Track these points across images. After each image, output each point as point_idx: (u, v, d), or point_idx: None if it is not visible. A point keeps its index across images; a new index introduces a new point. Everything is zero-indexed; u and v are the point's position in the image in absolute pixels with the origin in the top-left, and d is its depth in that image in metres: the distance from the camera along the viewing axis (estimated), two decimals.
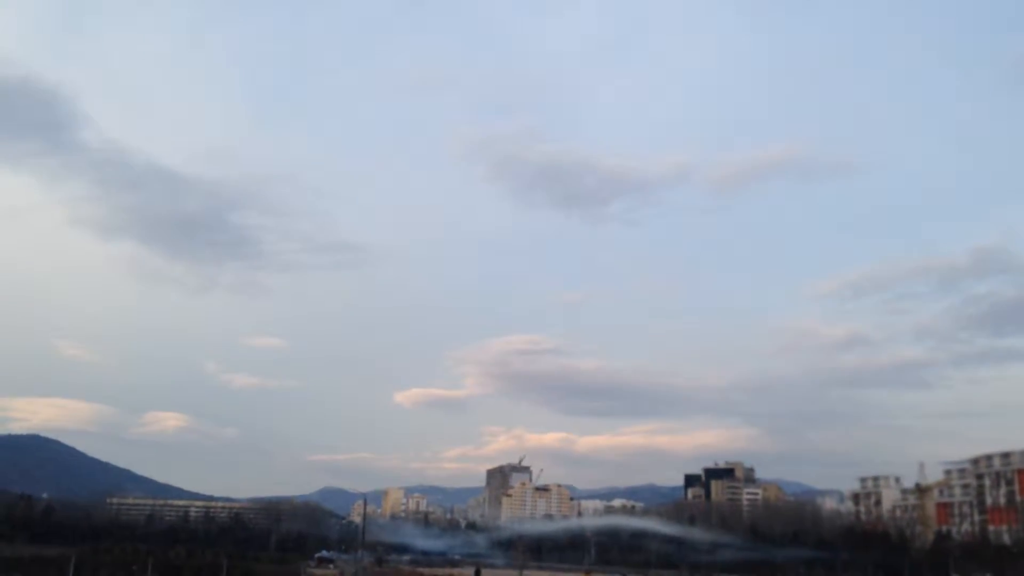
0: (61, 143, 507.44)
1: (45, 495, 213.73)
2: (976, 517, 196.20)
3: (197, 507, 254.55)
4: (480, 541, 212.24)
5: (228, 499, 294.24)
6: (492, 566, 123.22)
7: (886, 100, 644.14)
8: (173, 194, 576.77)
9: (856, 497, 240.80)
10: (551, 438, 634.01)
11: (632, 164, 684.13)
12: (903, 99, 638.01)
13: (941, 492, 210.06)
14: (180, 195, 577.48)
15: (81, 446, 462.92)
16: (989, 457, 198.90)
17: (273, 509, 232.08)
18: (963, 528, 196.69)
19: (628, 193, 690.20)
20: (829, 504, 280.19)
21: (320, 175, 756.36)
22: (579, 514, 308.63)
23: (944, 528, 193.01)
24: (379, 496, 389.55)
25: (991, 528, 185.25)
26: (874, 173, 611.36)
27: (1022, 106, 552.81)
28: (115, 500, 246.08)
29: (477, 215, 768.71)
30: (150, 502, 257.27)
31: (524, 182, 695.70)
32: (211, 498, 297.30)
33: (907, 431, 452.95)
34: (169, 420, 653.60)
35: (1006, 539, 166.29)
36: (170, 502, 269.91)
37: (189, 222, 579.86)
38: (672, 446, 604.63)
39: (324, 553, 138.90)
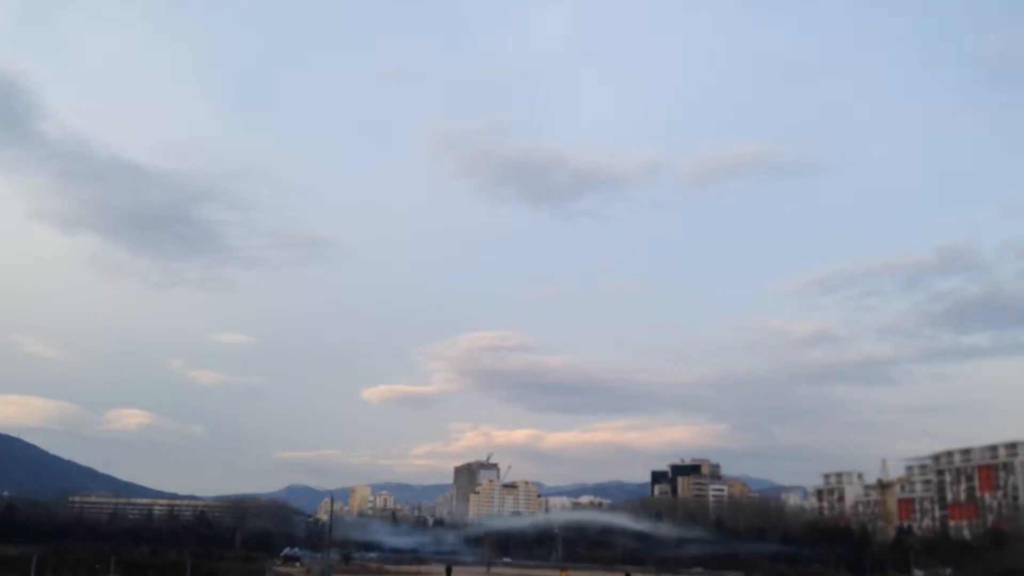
0: (20, 134, 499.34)
1: (6, 493, 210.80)
2: (937, 512, 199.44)
3: (161, 505, 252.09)
4: (449, 538, 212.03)
5: (193, 497, 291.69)
6: (460, 563, 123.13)
7: (855, 99, 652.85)
8: (136, 187, 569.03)
9: (820, 493, 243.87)
10: (519, 435, 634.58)
11: (602, 160, 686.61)
12: (872, 98, 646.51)
13: (903, 488, 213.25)
14: (143, 188, 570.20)
15: (43, 444, 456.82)
16: (950, 453, 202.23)
17: (239, 507, 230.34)
18: (924, 523, 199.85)
19: (598, 189, 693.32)
20: (793, 500, 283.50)
21: (287, 170, 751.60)
22: (547, 510, 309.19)
23: (905, 523, 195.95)
24: (346, 494, 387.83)
25: (951, 523, 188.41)
26: (842, 172, 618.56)
27: (989, 105, 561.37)
28: (78, 499, 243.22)
29: (447, 210, 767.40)
30: (113, 500, 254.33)
31: (494, 177, 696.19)
32: (175, 496, 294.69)
33: (872, 427, 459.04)
34: (133, 417, 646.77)
35: (966, 534, 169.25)
36: (134, 500, 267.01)
37: (152, 216, 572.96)
38: (639, 443, 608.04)
39: (291, 551, 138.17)
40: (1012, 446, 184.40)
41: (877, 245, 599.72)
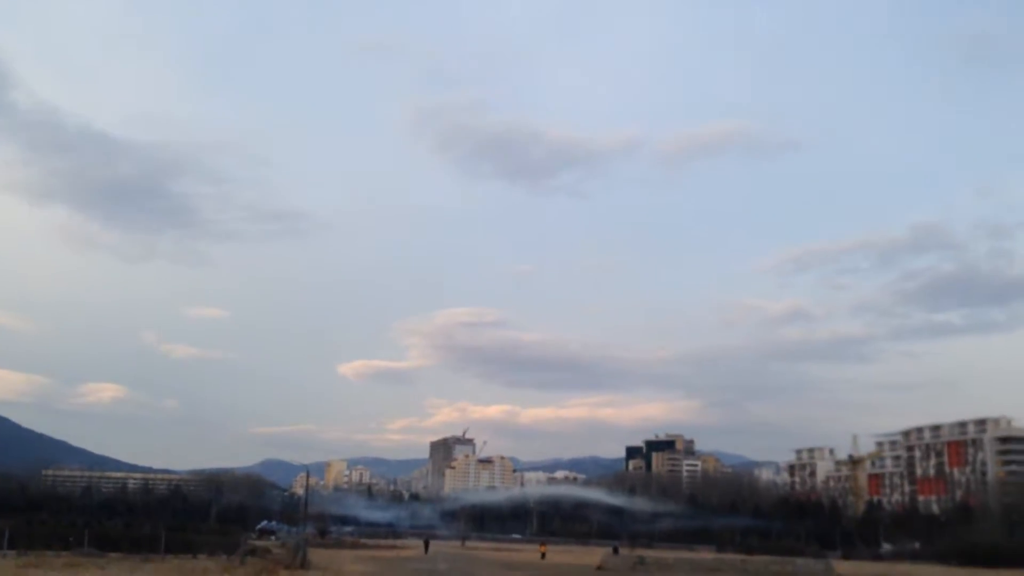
0: None
1: None
2: (906, 488, 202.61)
3: (135, 479, 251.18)
4: (425, 512, 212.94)
5: (167, 471, 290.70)
6: (437, 537, 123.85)
7: (833, 78, 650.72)
8: (108, 159, 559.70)
9: (792, 468, 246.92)
10: (495, 410, 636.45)
11: (580, 136, 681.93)
12: (849, 77, 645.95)
13: (873, 463, 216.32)
14: (115, 160, 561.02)
15: (14, 417, 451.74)
16: (920, 430, 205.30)
17: (213, 481, 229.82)
18: (893, 498, 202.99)
19: (576, 165, 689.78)
20: (766, 475, 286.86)
21: (261, 143, 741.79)
22: (522, 485, 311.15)
23: (875, 498, 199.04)
24: (322, 468, 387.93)
25: (920, 498, 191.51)
26: (819, 150, 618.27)
27: (965, 86, 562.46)
28: (50, 472, 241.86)
29: (423, 185, 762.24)
30: (87, 474, 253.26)
31: (471, 153, 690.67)
32: (150, 470, 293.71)
33: (843, 404, 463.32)
34: (106, 391, 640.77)
35: (935, 509, 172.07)
36: (107, 474, 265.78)
37: (124, 188, 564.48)
38: (615, 419, 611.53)
39: (266, 524, 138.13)
40: (981, 423, 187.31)
41: (852, 223, 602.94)
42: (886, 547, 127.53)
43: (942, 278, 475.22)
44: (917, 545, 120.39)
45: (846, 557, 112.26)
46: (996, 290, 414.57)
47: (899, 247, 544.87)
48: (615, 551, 71.66)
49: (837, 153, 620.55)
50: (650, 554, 75.66)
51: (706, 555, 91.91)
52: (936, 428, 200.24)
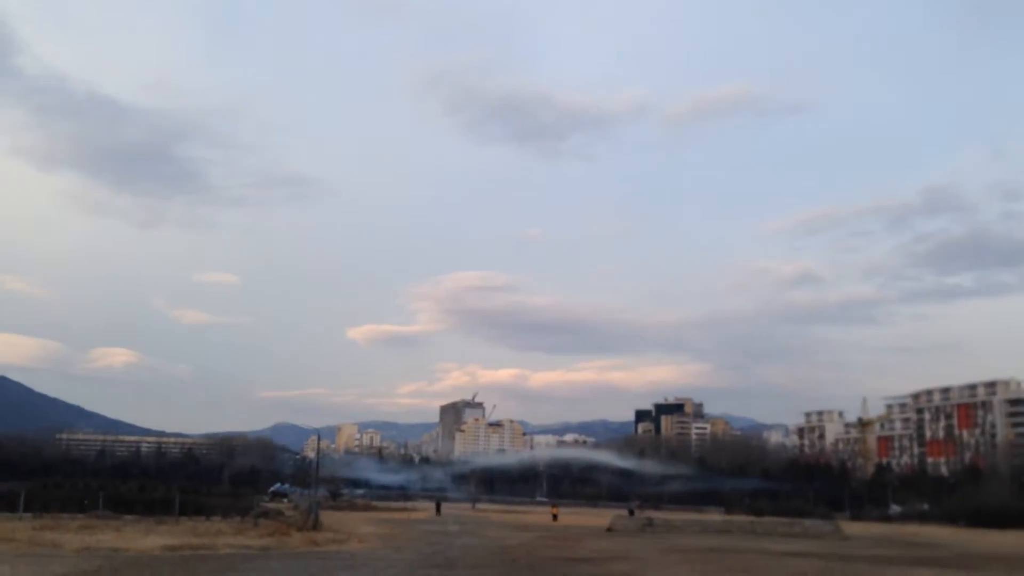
0: None
1: None
2: (916, 450, 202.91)
3: (148, 443, 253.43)
4: (436, 475, 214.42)
5: (180, 435, 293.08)
6: (447, 500, 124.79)
7: (844, 37, 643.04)
8: (115, 125, 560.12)
9: (801, 431, 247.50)
10: (504, 374, 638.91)
11: (589, 99, 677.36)
12: (861, 36, 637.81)
13: (882, 426, 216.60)
14: (123, 126, 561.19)
15: (28, 382, 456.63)
16: (929, 392, 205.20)
17: (226, 444, 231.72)
18: (902, 460, 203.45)
19: (584, 128, 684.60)
20: (775, 438, 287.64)
21: (269, 108, 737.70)
22: (531, 448, 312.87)
23: (884, 460, 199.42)
24: (333, 432, 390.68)
25: (929, 460, 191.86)
26: (830, 111, 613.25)
27: (978, 46, 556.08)
28: (65, 436, 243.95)
29: (431, 149, 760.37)
30: (101, 438, 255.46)
31: (479, 116, 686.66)
32: (163, 434, 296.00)
33: (853, 367, 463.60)
34: (118, 356, 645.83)
35: (944, 470, 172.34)
36: (121, 438, 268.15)
37: (133, 154, 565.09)
38: (624, 382, 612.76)
39: (278, 487, 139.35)
40: (991, 385, 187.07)
41: (863, 186, 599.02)
42: (895, 508, 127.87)
43: (953, 241, 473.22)
44: (926, 506, 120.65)
45: (855, 518, 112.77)
46: (1007, 252, 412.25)
47: (911, 210, 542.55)
48: (631, 513, 72.02)
49: (849, 115, 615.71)
50: (659, 516, 76.07)
51: (715, 517, 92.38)
52: (946, 390, 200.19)
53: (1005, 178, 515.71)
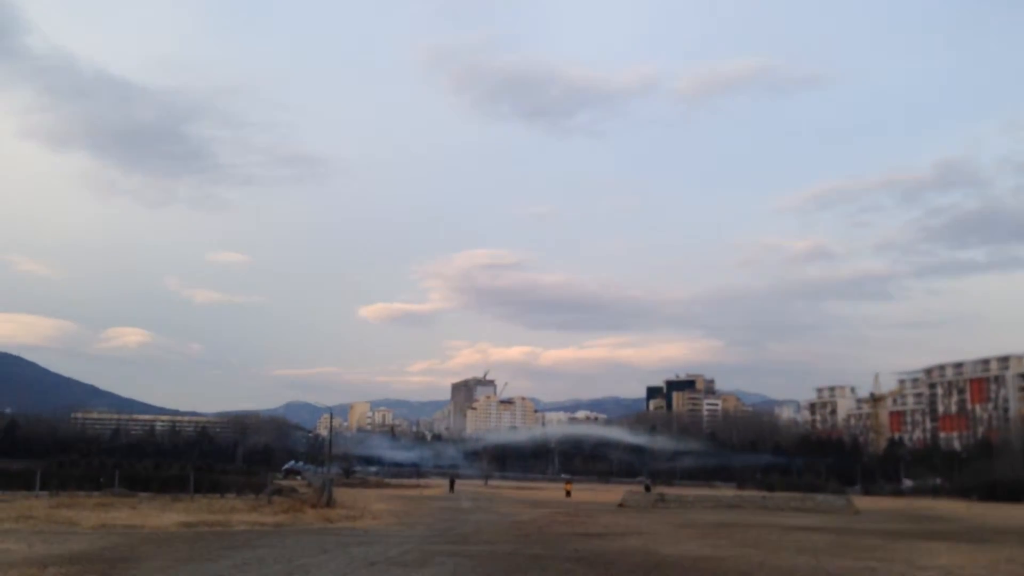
0: (4, 49, 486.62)
1: (8, 410, 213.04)
2: (928, 424, 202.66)
3: (163, 422, 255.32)
4: (448, 452, 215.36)
5: (194, 413, 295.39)
6: (460, 476, 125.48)
7: (856, 10, 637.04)
8: (125, 104, 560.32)
9: (812, 407, 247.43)
10: (515, 352, 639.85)
11: (598, 75, 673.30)
12: (873, 9, 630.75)
13: (895, 401, 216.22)
14: (132, 105, 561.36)
15: (43, 362, 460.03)
16: (942, 367, 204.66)
17: (239, 423, 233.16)
18: (915, 435, 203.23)
19: (594, 104, 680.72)
20: (786, 414, 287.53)
21: (277, 86, 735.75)
22: (543, 425, 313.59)
23: (896, 435, 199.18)
24: (345, 410, 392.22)
25: (942, 435, 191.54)
26: (843, 85, 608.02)
27: (991, 17, 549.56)
28: (80, 415, 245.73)
29: (441, 127, 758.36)
30: (115, 416, 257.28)
31: (487, 94, 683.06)
32: (177, 412, 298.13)
33: (866, 342, 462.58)
34: (131, 336, 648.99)
35: (956, 445, 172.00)
36: (135, 416, 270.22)
37: (142, 133, 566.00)
38: (635, 359, 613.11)
39: (292, 465, 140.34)
40: (1004, 359, 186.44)
41: (876, 160, 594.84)
42: (907, 483, 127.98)
43: (966, 215, 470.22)
44: (938, 481, 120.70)
45: (867, 493, 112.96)
46: (1020, 226, 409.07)
47: (924, 184, 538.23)
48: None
49: (860, 89, 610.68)
50: (671, 491, 76.30)
51: (727, 492, 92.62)
52: (958, 365, 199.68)
53: (1019, 151, 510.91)
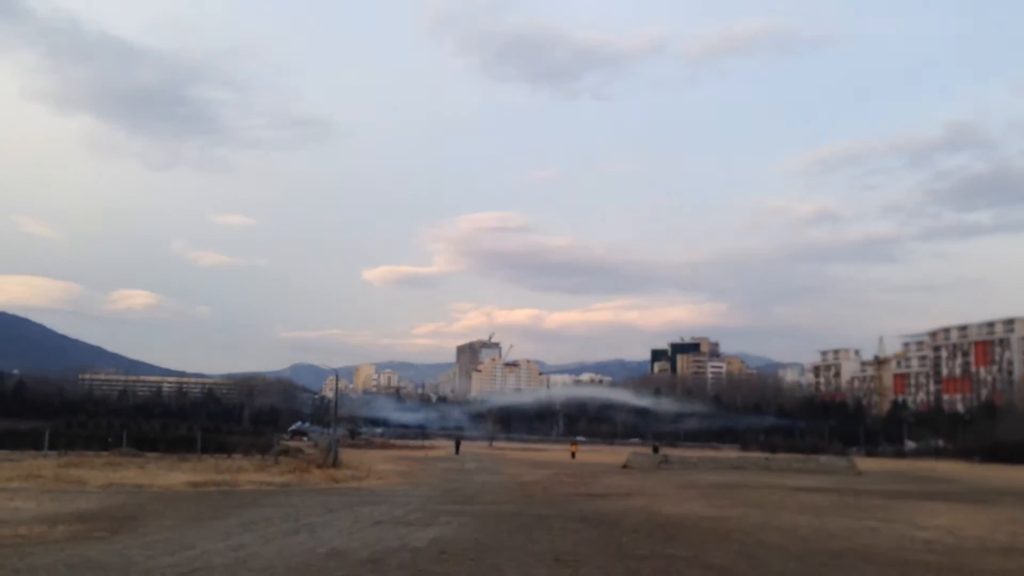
0: (7, 10, 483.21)
1: (16, 371, 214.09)
2: (932, 387, 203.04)
3: (170, 383, 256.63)
4: (453, 414, 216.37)
5: (201, 375, 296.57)
6: (465, 438, 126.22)
7: None
8: (128, 66, 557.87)
9: (817, 369, 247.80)
10: (521, 315, 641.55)
11: (603, 37, 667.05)
12: None
13: (899, 364, 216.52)
14: (135, 67, 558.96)
15: (50, 323, 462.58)
16: (947, 330, 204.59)
17: (245, 384, 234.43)
18: (918, 398, 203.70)
19: (599, 67, 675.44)
20: (790, 376, 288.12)
21: (281, 48, 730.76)
22: (548, 388, 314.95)
23: (900, 398, 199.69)
24: (350, 372, 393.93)
25: (945, 397, 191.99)
26: (852, 47, 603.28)
27: None
28: (87, 376, 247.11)
29: (446, 90, 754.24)
30: (123, 378, 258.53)
31: (493, 56, 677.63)
32: (183, 374, 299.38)
33: (871, 305, 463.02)
34: (138, 298, 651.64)
35: (959, 408, 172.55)
36: (142, 378, 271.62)
37: (146, 95, 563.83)
38: (640, 322, 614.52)
39: (298, 426, 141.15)
40: (1009, 322, 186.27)
41: (884, 123, 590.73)
42: (910, 445, 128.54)
43: (974, 177, 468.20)
44: (941, 443, 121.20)
45: (869, 455, 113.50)
46: None
47: (932, 146, 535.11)
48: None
49: (869, 50, 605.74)
50: (675, 453, 76.74)
51: (730, 454, 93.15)
52: (963, 328, 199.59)
53: None
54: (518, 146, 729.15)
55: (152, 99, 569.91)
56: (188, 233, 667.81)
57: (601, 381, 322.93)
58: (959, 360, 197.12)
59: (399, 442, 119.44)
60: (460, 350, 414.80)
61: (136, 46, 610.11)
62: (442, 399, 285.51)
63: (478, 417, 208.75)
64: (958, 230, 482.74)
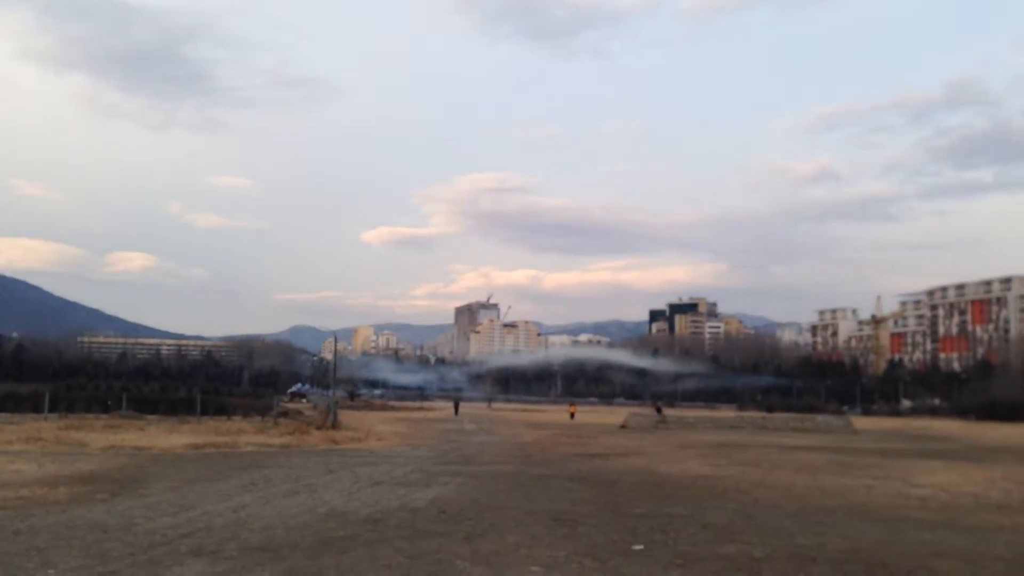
0: None
1: (15, 334, 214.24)
2: (928, 346, 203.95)
3: (169, 345, 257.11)
4: (452, 375, 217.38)
5: (199, 337, 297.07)
6: (464, 399, 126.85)
7: None
8: (123, 25, 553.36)
9: (814, 329, 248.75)
10: (519, 276, 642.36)
11: None
12: None
13: (896, 323, 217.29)
14: (131, 26, 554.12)
15: (47, 286, 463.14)
16: (944, 289, 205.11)
17: (245, 347, 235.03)
18: (915, 357, 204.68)
19: (598, 24, 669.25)
20: (788, 336, 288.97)
21: (279, 7, 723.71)
22: (546, 348, 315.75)
23: (897, 356, 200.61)
24: (349, 334, 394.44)
25: (942, 356, 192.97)
26: (853, 3, 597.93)
27: None
28: (86, 339, 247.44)
29: (444, 49, 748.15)
30: (122, 340, 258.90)
31: (491, 14, 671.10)
32: (182, 336, 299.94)
33: (870, 264, 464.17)
34: (135, 260, 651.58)
35: (956, 366, 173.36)
36: (141, 340, 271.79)
37: (142, 55, 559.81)
38: (638, 282, 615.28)
39: (298, 388, 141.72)
40: (1007, 280, 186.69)
41: (885, 81, 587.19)
42: (906, 403, 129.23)
43: (975, 135, 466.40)
44: (937, 401, 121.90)
45: (866, 413, 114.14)
46: None
47: (933, 104, 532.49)
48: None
49: (871, 7, 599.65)
50: (672, 413, 77.13)
51: (728, 414, 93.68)
52: (960, 287, 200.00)
53: None
54: (516, 105, 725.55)
55: (148, 59, 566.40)
56: (185, 195, 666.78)
57: (599, 342, 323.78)
58: (956, 319, 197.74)
59: (398, 403, 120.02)
60: (458, 311, 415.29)
61: (131, 4, 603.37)
62: (440, 361, 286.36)
63: (477, 378, 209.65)
64: (958, 188, 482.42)
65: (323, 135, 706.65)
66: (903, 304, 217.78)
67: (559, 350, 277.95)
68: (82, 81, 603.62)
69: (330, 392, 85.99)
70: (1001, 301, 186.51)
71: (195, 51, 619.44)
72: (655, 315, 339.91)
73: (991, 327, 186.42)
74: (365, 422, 54.16)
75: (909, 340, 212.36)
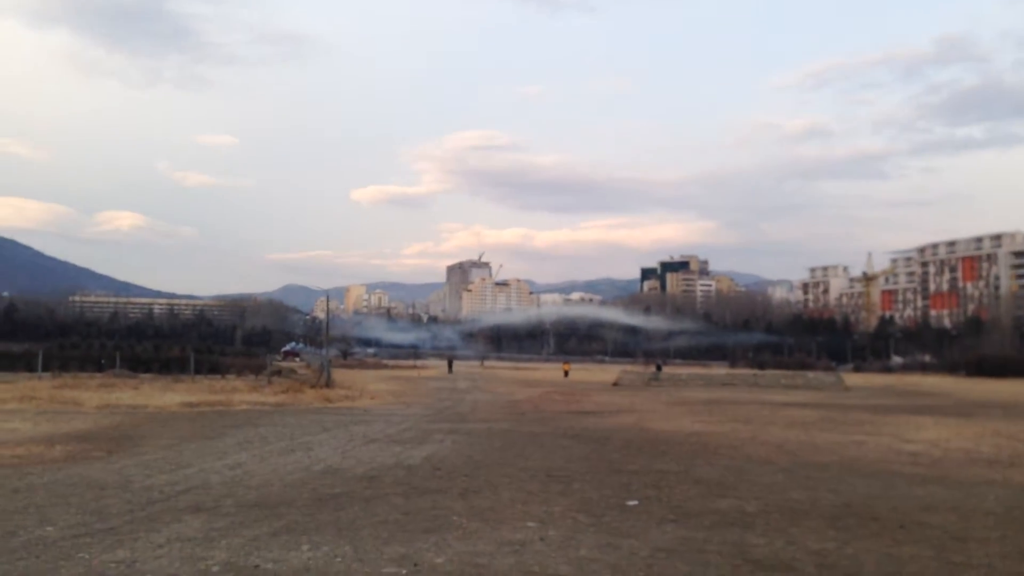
0: None
1: (5, 294, 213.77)
2: (919, 303, 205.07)
3: (161, 305, 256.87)
4: (445, 334, 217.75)
5: (192, 297, 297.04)
6: (457, 358, 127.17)
7: None
8: None
9: (805, 286, 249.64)
10: (510, 234, 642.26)
11: None
12: None
13: (887, 280, 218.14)
14: None
15: (37, 245, 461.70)
16: (935, 246, 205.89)
17: (237, 306, 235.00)
18: (906, 314, 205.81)
19: None
20: (779, 293, 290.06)
21: None
22: (538, 307, 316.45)
23: (888, 314, 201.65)
24: (341, 293, 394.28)
25: (933, 313, 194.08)
26: None
27: None
28: (78, 298, 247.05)
29: (430, 5, 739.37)
30: (113, 300, 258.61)
31: None
32: (173, 295, 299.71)
33: (860, 221, 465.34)
34: (124, 219, 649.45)
35: (946, 323, 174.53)
36: (133, 299, 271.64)
37: (124, 11, 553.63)
38: (629, 240, 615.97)
39: (291, 346, 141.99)
40: (997, 237, 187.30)
41: (876, 36, 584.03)
42: (896, 360, 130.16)
43: (966, 91, 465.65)
44: (927, 358, 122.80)
45: (857, 370, 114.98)
46: (1020, 102, 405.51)
47: (923, 60, 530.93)
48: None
49: None
50: (665, 370, 77.52)
51: (719, 371, 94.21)
52: (951, 244, 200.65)
53: (1018, 25, 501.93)
54: (504, 62, 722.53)
55: (131, 14, 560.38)
56: (172, 153, 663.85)
57: (591, 300, 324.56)
58: (947, 276, 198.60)
59: (391, 362, 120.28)
60: (450, 270, 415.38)
61: None
62: (433, 319, 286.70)
63: (469, 337, 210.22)
64: (949, 144, 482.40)
65: (308, 92, 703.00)
66: (894, 261, 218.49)
67: (551, 308, 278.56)
68: (64, 36, 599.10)
69: (323, 351, 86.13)
70: (992, 258, 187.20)
71: (178, 6, 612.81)
72: (647, 273, 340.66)
73: (981, 284, 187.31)
74: (359, 380, 54.31)
75: (900, 297, 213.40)
